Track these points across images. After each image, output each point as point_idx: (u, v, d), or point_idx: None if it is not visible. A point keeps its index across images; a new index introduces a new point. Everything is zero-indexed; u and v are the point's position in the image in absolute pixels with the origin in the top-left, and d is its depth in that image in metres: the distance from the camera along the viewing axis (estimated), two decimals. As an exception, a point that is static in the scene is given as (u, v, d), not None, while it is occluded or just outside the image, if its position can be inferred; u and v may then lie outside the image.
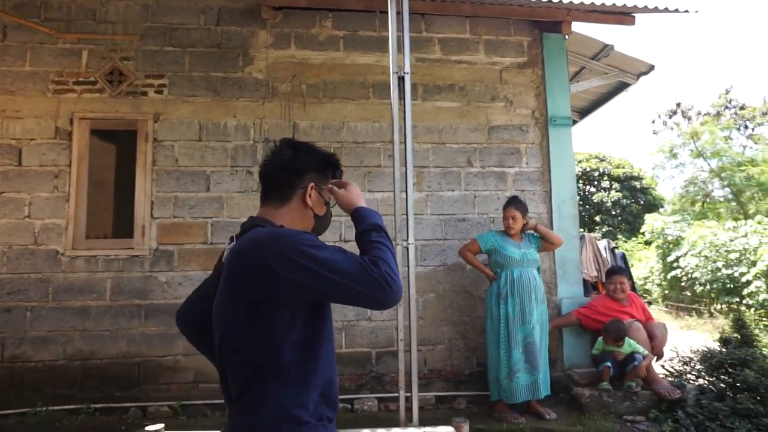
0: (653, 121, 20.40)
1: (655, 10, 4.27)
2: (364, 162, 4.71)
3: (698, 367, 4.16)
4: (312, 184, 1.44)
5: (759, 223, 13.08)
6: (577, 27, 4.98)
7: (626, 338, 4.08)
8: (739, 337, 4.13)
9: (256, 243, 1.25)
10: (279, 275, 1.19)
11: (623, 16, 4.47)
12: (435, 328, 4.63)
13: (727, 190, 17.40)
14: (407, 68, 3.53)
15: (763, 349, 3.96)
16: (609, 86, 5.91)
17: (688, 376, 4.21)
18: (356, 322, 4.55)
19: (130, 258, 4.41)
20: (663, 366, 4.44)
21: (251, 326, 1.23)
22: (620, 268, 5.03)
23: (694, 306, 14.04)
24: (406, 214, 3.38)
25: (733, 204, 17.64)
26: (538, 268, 4.32)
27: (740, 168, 16.36)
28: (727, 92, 19.10)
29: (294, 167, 1.42)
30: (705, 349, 4.13)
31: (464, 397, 4.44)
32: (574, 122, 6.85)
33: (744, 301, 11.99)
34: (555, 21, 4.77)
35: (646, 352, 4.08)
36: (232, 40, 4.72)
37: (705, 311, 13.46)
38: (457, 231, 4.75)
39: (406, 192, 3.40)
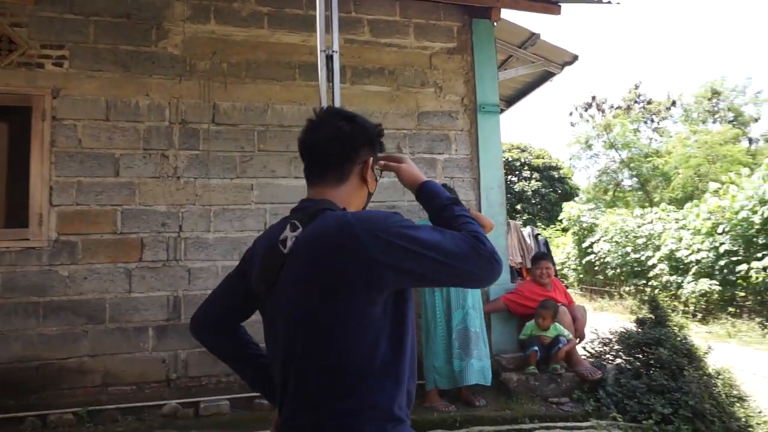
0: (571, 114, 21.50)
1: (581, 0, 4.36)
2: (291, 147, 4.48)
3: (616, 347, 4.35)
4: (371, 158, 1.34)
5: (663, 210, 14.05)
6: (506, 14, 5.01)
7: (553, 324, 4.18)
8: (653, 317, 4.36)
9: (345, 228, 1.12)
10: (381, 263, 1.08)
11: (550, 5, 4.53)
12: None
13: (635, 179, 18.62)
14: (336, 47, 3.34)
15: (674, 327, 4.20)
16: (534, 75, 6.03)
17: (608, 356, 4.39)
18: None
19: (25, 250, 3.94)
20: (585, 348, 4.61)
21: (344, 320, 1.11)
22: (545, 254, 5.16)
23: (605, 289, 14.95)
24: None
25: (640, 193, 18.92)
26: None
27: (647, 159, 17.58)
28: (637, 87, 20.42)
29: (352, 140, 1.29)
30: (623, 330, 4.33)
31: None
32: (501, 111, 6.95)
33: (650, 283, 12.90)
34: (485, 7, 4.76)
35: (570, 335, 4.20)
36: (144, 10, 4.31)
37: (615, 293, 14.37)
38: (387, 218, 4.65)
39: None
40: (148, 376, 4.05)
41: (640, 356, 3.98)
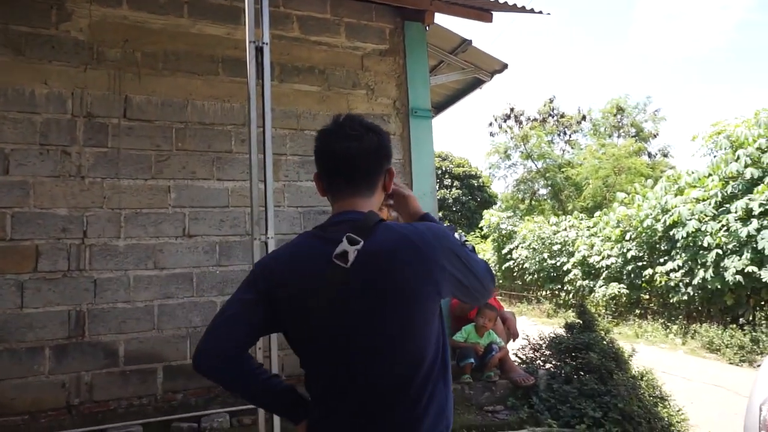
0: (490, 124, 22.19)
1: (514, 8, 4.40)
2: (213, 146, 4.15)
3: (547, 352, 4.39)
4: (391, 169, 1.37)
5: (575, 218, 14.80)
6: (438, 19, 4.97)
7: (488, 331, 4.14)
8: (581, 322, 4.45)
9: (423, 240, 1.21)
10: (448, 272, 1.22)
11: (482, 12, 4.55)
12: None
13: (550, 188, 19.57)
14: (266, 38, 3.10)
15: (601, 332, 4.31)
16: (464, 82, 6.07)
17: (538, 362, 4.42)
18: (203, 328, 3.97)
19: None
20: (516, 354, 4.62)
21: (419, 326, 1.20)
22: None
23: (524, 294, 15.52)
24: (265, 207, 2.96)
25: (554, 201, 19.91)
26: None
27: (561, 170, 18.53)
28: (551, 101, 21.54)
29: (382, 152, 1.33)
30: (553, 335, 4.38)
31: (325, 401, 4.15)
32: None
33: (564, 288, 13.53)
34: (418, 9, 4.69)
35: (502, 342, 4.18)
36: (42, -11, 3.83)
37: (533, 298, 14.95)
38: (316, 224, 4.41)
39: (265, 182, 2.98)
40: (44, 404, 3.55)
41: (571, 361, 4.04)
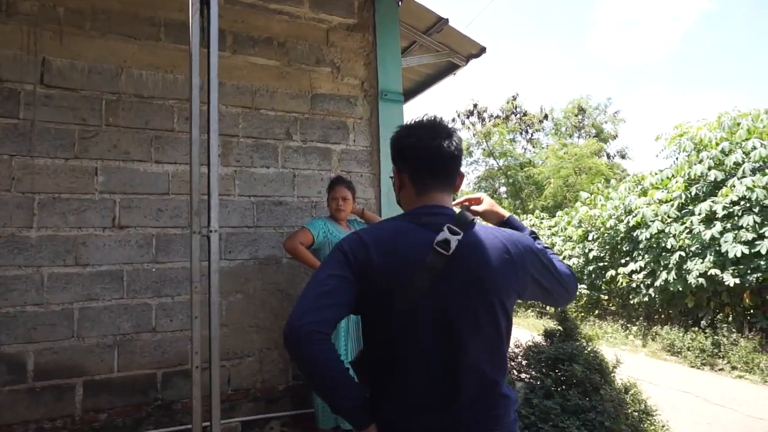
0: (453, 120, 21.95)
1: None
2: (151, 123, 3.56)
3: (524, 362, 4.02)
4: (462, 172, 1.46)
5: (536, 217, 14.73)
6: (412, -6, 4.51)
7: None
8: (562, 330, 4.11)
9: (517, 243, 1.36)
10: (532, 276, 1.36)
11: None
12: (242, 336, 3.73)
13: (511, 187, 19.51)
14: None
15: (583, 340, 3.97)
16: (437, 67, 5.62)
17: (513, 372, 4.05)
18: (135, 335, 3.40)
19: None
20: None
21: (503, 319, 1.30)
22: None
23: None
24: (208, 194, 2.43)
25: (515, 200, 19.88)
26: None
27: (522, 168, 18.48)
28: (514, 99, 21.49)
29: (461, 155, 1.44)
30: (531, 343, 4.01)
31: (278, 419, 3.65)
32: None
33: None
34: (390, -20, 4.21)
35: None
36: (-61, -77, 3.14)
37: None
38: (272, 217, 3.90)
39: (209, 166, 2.43)
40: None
41: (552, 373, 3.67)
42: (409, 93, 6.34)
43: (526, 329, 11.09)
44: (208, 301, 2.38)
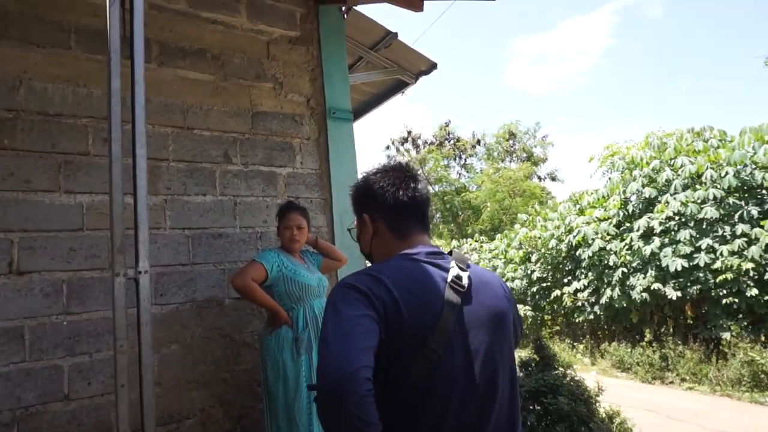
0: (388, 147, 21.95)
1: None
2: (59, 146, 2.98)
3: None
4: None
5: (476, 241, 14.77)
6: (359, 6, 4.21)
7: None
8: (537, 359, 3.80)
9: (501, 281, 1.40)
10: (514, 316, 1.38)
11: (412, -4, 3.85)
12: (180, 395, 3.13)
13: (448, 212, 19.60)
14: (139, 5, 2.07)
15: (561, 368, 3.68)
16: (383, 86, 5.33)
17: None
18: (41, 407, 2.73)
19: None
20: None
21: (512, 353, 1.33)
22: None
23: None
24: (135, 228, 1.92)
25: (452, 225, 19.96)
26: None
27: (458, 193, 18.62)
28: (447, 125, 21.79)
29: None
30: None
31: (225, 492, 3.06)
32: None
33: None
34: (336, -10, 3.89)
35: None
36: None
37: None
38: (210, 252, 3.38)
39: (135, 194, 1.92)
40: None
41: (533, 407, 3.34)
42: (356, 113, 5.99)
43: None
44: (138, 359, 1.85)
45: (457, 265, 1.25)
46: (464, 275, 1.23)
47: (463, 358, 1.17)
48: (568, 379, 3.50)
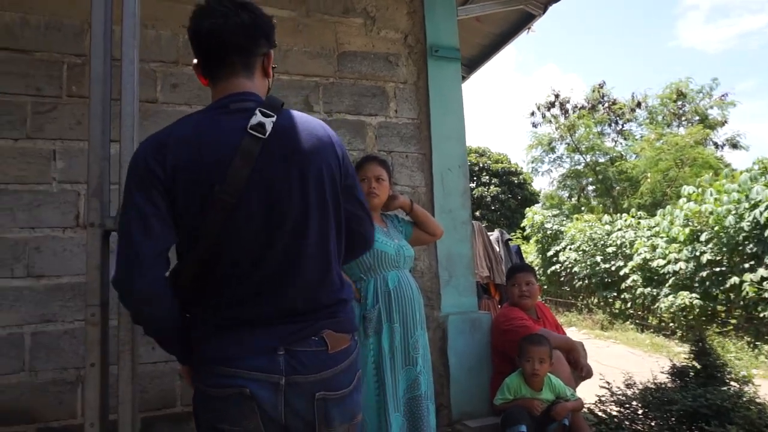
0: (532, 114, 20.27)
1: None
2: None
3: (640, 409, 2.79)
4: (271, 51, 1.38)
5: (632, 216, 13.01)
6: None
7: (547, 377, 2.59)
8: (698, 367, 2.84)
9: (331, 133, 1.32)
10: (349, 178, 1.35)
11: None
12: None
13: (601, 184, 17.62)
14: None
15: (734, 383, 2.69)
16: (504, 22, 4.45)
17: (625, 423, 2.82)
18: (103, 368, 2.59)
19: None
20: (591, 411, 3.03)
21: (330, 204, 1.29)
22: (524, 266, 3.63)
23: (572, 301, 13.77)
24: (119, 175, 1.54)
25: (606, 198, 17.94)
26: (411, 270, 2.70)
27: (613, 163, 16.60)
28: (601, 87, 19.45)
29: (257, 32, 1.32)
30: (651, 385, 2.79)
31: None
32: (462, 78, 5.39)
33: (621, 296, 11.81)
34: None
35: (575, 394, 2.62)
36: None
37: (583, 306, 13.21)
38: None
39: (120, 138, 1.55)
40: None
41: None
42: (474, 62, 5.21)
43: (625, 345, 9.52)
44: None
45: (261, 112, 1.19)
46: (268, 122, 1.19)
47: (262, 206, 1.17)
48: (745, 398, 2.51)
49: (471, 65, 5.21)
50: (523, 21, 4.34)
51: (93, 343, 1.38)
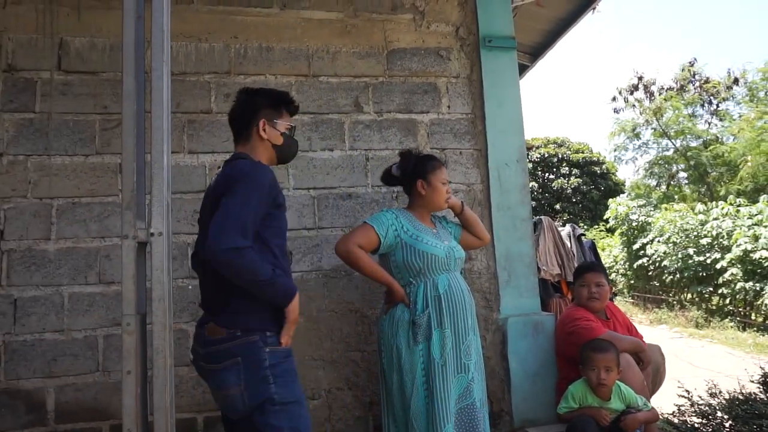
0: (614, 99, 19.02)
1: None
2: (183, 105, 2.87)
3: (726, 422, 2.52)
4: (263, 120, 1.94)
5: (730, 203, 11.87)
6: None
7: (616, 385, 2.40)
8: (796, 375, 2.53)
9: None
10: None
11: None
12: (305, 372, 2.84)
13: (693, 170, 16.28)
14: None
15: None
16: (566, 4, 4.17)
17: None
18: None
19: None
20: (669, 421, 2.78)
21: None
22: (593, 264, 3.39)
23: (662, 297, 12.85)
24: (151, 185, 1.61)
25: (700, 185, 16.55)
26: (462, 272, 2.60)
27: (707, 147, 15.28)
28: (691, 65, 17.93)
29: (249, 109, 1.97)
30: (739, 394, 2.51)
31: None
32: (524, 68, 5.15)
33: (718, 291, 10.85)
34: None
35: (649, 404, 2.41)
36: None
37: (675, 302, 12.28)
38: (338, 214, 2.98)
39: (152, 151, 1.64)
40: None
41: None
42: (537, 50, 4.95)
43: (724, 344, 8.72)
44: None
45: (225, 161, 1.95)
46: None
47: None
48: None
49: (535, 53, 4.96)
50: (586, 3, 4.06)
51: (129, 351, 1.43)
